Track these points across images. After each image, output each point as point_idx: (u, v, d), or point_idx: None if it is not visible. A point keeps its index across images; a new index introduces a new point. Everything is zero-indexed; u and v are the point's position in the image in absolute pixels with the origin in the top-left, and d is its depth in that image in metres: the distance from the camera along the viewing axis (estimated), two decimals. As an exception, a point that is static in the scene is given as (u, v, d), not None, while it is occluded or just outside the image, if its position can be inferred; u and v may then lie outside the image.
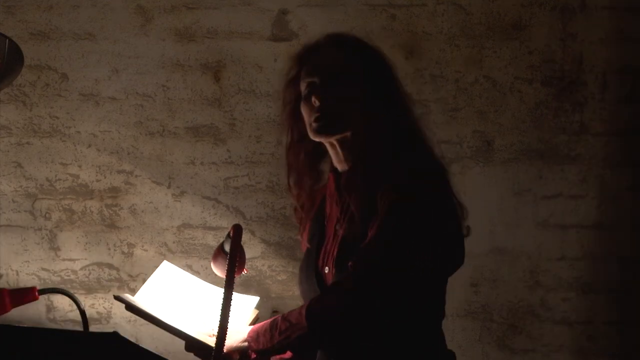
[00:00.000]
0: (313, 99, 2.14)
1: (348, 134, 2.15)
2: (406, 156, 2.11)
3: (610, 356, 3.26)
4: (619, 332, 3.25)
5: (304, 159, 2.28)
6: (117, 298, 2.15)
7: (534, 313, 3.25)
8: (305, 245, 2.32)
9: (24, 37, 3.22)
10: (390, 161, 2.10)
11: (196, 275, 2.43)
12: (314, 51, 2.21)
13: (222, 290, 2.10)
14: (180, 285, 2.31)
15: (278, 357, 2.18)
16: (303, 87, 2.19)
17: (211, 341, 2.10)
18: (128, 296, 2.17)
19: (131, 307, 2.14)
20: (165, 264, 2.36)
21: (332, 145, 2.19)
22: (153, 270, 2.36)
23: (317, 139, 2.18)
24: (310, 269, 2.22)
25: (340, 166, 2.21)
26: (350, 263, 2.03)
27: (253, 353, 2.16)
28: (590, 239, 3.24)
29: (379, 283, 2.00)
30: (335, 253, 2.15)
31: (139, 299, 2.21)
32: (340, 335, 2.05)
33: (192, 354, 2.18)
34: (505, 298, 3.26)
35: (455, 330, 3.25)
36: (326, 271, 2.17)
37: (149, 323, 2.14)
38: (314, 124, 2.15)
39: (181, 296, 2.27)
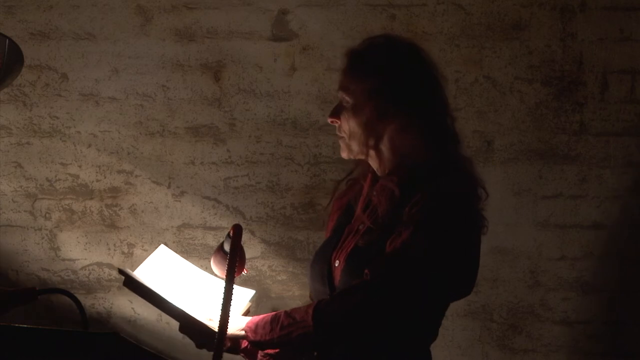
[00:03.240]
0: (331, 119, 2.21)
1: (372, 152, 2.18)
2: (439, 171, 2.11)
3: (610, 356, 3.26)
4: (619, 332, 3.25)
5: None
6: (121, 271, 2.15)
7: (534, 313, 3.25)
8: (327, 233, 2.34)
9: (24, 37, 3.22)
10: (423, 175, 2.10)
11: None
12: (345, 64, 2.21)
13: (217, 278, 2.10)
14: (176, 271, 2.31)
15: (262, 352, 2.18)
16: None
17: (208, 324, 2.10)
18: (129, 271, 2.17)
19: (130, 283, 2.13)
20: (162, 248, 2.35)
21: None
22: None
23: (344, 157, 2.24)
24: (325, 257, 2.23)
25: (376, 170, 2.22)
26: (366, 271, 2.03)
27: (245, 342, 2.16)
28: (590, 239, 3.24)
29: (393, 296, 2.02)
30: (349, 250, 2.15)
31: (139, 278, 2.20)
32: (344, 340, 2.06)
33: (191, 355, 2.18)
34: (505, 298, 3.26)
35: (455, 330, 3.26)
36: (336, 265, 2.17)
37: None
38: (340, 143, 2.22)
39: (176, 281, 2.27)
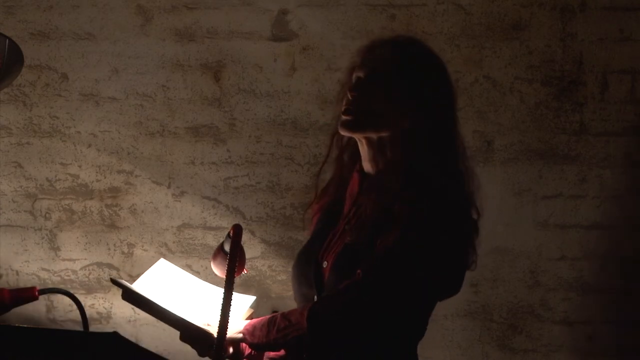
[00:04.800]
0: (349, 92, 2.13)
1: (374, 136, 2.14)
2: (435, 177, 2.09)
3: (610, 356, 3.26)
4: (619, 332, 3.25)
5: (346, 150, 2.28)
6: (115, 282, 2.14)
7: (534, 313, 3.25)
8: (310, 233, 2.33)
9: (24, 37, 3.22)
10: (417, 177, 2.08)
11: (196, 276, 2.42)
12: (376, 48, 2.18)
13: (219, 288, 2.09)
14: (176, 282, 2.31)
15: (273, 354, 2.18)
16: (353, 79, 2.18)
17: (207, 329, 2.10)
18: (125, 282, 2.16)
19: (128, 294, 2.13)
20: (162, 262, 2.35)
21: (360, 141, 2.18)
22: (153, 271, 2.36)
23: (341, 133, 2.16)
24: (309, 258, 2.22)
25: (366, 166, 2.20)
26: (358, 271, 2.03)
27: (249, 349, 2.16)
28: (590, 239, 3.24)
29: (384, 295, 2.02)
30: (337, 251, 2.15)
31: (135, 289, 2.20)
32: (338, 341, 2.06)
33: (191, 354, 2.18)
34: (505, 298, 3.26)
35: (455, 330, 3.25)
36: (324, 265, 2.17)
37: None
38: (341, 117, 2.14)
39: (176, 291, 2.27)
